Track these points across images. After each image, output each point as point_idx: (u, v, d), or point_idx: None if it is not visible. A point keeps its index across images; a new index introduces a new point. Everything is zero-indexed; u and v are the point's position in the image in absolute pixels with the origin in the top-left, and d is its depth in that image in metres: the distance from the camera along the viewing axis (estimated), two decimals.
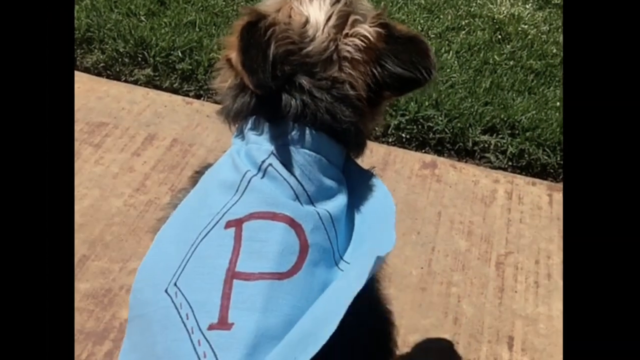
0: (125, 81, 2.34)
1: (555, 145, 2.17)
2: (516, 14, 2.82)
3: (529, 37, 2.68)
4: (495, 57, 2.53)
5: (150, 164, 2.00)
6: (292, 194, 0.94)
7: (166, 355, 0.86)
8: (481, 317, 1.68)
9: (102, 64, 2.37)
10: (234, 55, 0.95)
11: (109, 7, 2.52)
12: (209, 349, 0.82)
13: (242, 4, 2.61)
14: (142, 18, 2.49)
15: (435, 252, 1.84)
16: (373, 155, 2.10)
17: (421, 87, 1.01)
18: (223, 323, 0.84)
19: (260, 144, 0.97)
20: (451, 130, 2.20)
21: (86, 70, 2.36)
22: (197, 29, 2.46)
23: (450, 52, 2.51)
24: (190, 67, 2.32)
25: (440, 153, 2.21)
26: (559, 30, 2.76)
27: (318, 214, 0.94)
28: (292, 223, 0.91)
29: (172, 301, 0.88)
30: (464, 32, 2.67)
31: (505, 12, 2.82)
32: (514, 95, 2.35)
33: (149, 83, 2.34)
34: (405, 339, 1.60)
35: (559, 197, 2.05)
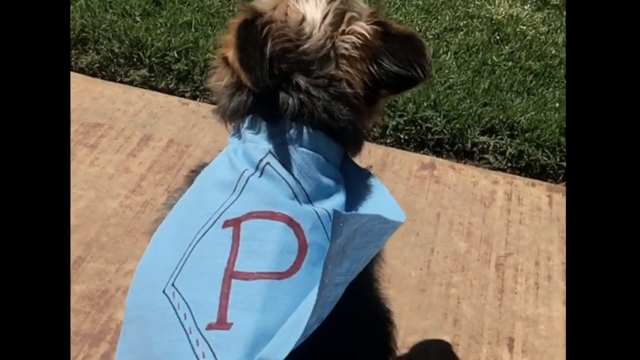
0: (121, 82, 2.32)
1: (555, 146, 2.16)
2: (514, 14, 2.81)
3: (528, 38, 2.67)
4: (494, 58, 2.52)
5: (146, 165, 1.98)
6: (290, 193, 0.93)
7: (164, 356, 0.85)
8: (481, 318, 1.67)
9: (97, 65, 2.35)
10: (230, 53, 0.95)
11: (103, 7, 2.51)
12: (208, 349, 0.82)
13: (238, 4, 2.59)
14: (138, 18, 2.47)
15: (434, 253, 1.82)
16: (371, 156, 2.09)
17: (417, 85, 1.01)
18: (222, 323, 0.83)
19: (257, 143, 0.97)
20: (450, 131, 2.19)
21: (81, 70, 2.34)
22: (193, 30, 2.45)
23: (449, 53, 2.50)
24: (186, 67, 2.31)
25: (439, 154, 2.19)
26: (558, 31, 2.75)
27: (316, 213, 0.93)
28: (291, 222, 0.90)
29: (170, 301, 0.87)
30: (462, 33, 2.66)
31: (503, 13, 2.81)
32: (513, 96, 2.34)
33: (145, 84, 2.32)
34: (405, 341, 1.59)
35: (558, 198, 2.04)
